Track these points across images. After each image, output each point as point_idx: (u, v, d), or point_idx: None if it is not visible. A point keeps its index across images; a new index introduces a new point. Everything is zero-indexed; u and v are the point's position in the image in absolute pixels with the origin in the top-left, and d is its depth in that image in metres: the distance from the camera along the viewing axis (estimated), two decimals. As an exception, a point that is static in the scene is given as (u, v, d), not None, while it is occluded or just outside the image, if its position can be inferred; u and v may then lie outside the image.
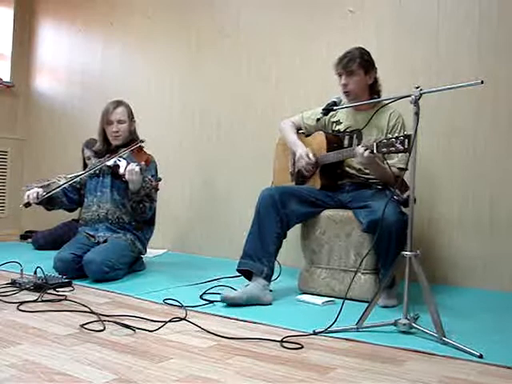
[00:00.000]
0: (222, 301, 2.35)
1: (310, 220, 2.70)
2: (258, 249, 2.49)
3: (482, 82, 1.83)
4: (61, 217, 4.19)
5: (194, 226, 4.12)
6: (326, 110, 2.49)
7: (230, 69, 3.96)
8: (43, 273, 2.63)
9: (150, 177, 3.05)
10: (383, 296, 2.36)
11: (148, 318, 2.07)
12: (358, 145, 2.55)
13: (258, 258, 2.48)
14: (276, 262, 2.56)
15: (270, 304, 2.41)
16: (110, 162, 3.04)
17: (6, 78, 5.09)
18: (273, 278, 2.57)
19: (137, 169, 2.89)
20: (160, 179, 3.04)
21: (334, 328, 1.94)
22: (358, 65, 2.63)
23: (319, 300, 2.46)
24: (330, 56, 3.29)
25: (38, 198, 3.01)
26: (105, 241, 3.03)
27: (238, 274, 2.59)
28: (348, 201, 2.68)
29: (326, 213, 2.68)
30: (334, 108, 2.48)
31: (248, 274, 2.52)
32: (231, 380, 1.48)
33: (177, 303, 2.32)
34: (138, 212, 3.10)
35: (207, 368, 1.57)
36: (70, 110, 4.94)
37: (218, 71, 4.02)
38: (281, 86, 3.71)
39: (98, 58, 4.77)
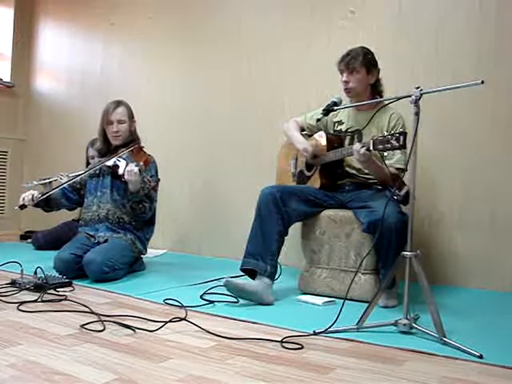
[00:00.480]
0: (225, 284, 2.36)
1: (310, 219, 2.70)
2: (261, 247, 2.50)
3: (483, 82, 1.82)
4: (61, 217, 4.19)
5: (194, 226, 4.12)
6: (327, 111, 2.49)
7: (231, 69, 3.96)
8: (43, 273, 2.63)
9: (148, 177, 3.05)
10: (383, 296, 2.36)
11: (148, 318, 2.07)
12: (358, 144, 2.56)
13: (261, 256, 2.48)
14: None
15: (271, 304, 2.41)
16: (110, 163, 3.04)
17: (7, 78, 5.10)
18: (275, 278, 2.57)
19: (135, 169, 2.89)
20: (159, 180, 3.03)
21: (334, 328, 1.94)
22: (361, 63, 2.63)
23: (319, 300, 2.46)
24: (330, 56, 3.29)
25: (33, 200, 3.01)
26: (105, 241, 3.03)
27: (239, 274, 2.59)
28: (348, 201, 2.68)
29: (326, 213, 2.68)
30: (335, 108, 2.48)
31: (252, 273, 2.52)
32: (231, 380, 1.48)
33: (177, 303, 2.32)
34: (137, 212, 3.09)
35: (207, 368, 1.57)
36: (70, 110, 4.94)
37: (218, 71, 4.02)
38: (281, 85, 3.71)
39: (98, 58, 4.77)
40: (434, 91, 1.98)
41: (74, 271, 2.83)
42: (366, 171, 2.67)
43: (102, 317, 2.05)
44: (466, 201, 3.01)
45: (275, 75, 3.75)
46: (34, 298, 2.35)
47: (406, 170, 2.03)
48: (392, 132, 2.20)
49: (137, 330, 1.92)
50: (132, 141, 3.21)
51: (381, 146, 2.20)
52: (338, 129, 2.82)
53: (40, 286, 2.49)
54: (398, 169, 2.53)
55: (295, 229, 2.74)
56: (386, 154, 2.40)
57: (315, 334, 1.93)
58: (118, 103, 3.22)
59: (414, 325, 1.94)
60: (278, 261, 2.57)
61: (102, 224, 3.12)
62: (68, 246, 2.99)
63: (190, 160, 4.15)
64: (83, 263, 2.82)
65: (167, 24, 4.32)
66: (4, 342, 1.73)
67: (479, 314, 2.36)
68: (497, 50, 2.93)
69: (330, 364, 1.64)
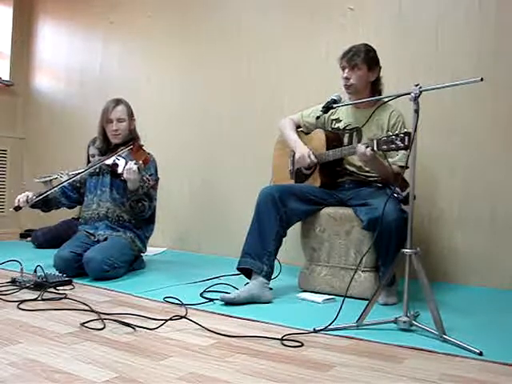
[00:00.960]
0: (221, 300, 2.35)
1: (309, 218, 2.70)
2: (258, 247, 2.49)
3: (482, 80, 1.83)
4: (60, 215, 4.19)
5: (193, 224, 4.12)
6: (326, 108, 2.49)
7: (230, 68, 3.96)
8: (43, 271, 2.63)
9: (147, 176, 3.05)
10: (383, 294, 2.36)
11: (148, 316, 2.07)
12: (358, 142, 2.55)
13: (258, 256, 2.48)
14: (276, 261, 2.57)
15: (270, 302, 2.41)
16: (109, 161, 3.04)
17: (6, 76, 5.09)
18: (273, 276, 2.57)
19: (134, 168, 2.88)
20: (158, 178, 3.02)
21: (334, 326, 1.94)
22: (362, 60, 2.63)
23: (319, 298, 2.46)
24: (329, 55, 3.30)
25: (27, 202, 3.02)
26: (105, 239, 3.03)
27: (238, 273, 2.59)
28: (348, 198, 2.68)
29: (326, 210, 2.68)
30: (334, 106, 2.48)
31: (248, 273, 2.52)
32: (231, 378, 1.48)
33: (177, 301, 2.32)
34: (136, 211, 3.09)
35: (207, 366, 1.57)
36: (70, 108, 4.94)
37: (218, 70, 4.01)
38: (281, 85, 3.71)
39: (97, 56, 4.77)
40: (434, 88, 1.98)
41: (74, 269, 2.83)
42: (367, 169, 2.67)
43: (102, 315, 2.05)
44: (465, 198, 3.01)
45: (275, 75, 3.74)
46: (34, 296, 2.35)
47: (407, 167, 2.02)
48: (396, 132, 2.20)
49: (137, 328, 1.92)
50: (132, 139, 3.21)
51: (385, 147, 2.20)
52: (336, 126, 2.82)
53: (40, 285, 2.49)
54: (400, 167, 2.53)
55: (295, 226, 2.74)
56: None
57: (315, 331, 1.93)
58: (118, 102, 3.22)
59: (413, 322, 1.94)
60: (278, 258, 2.57)
61: (101, 222, 3.13)
62: (68, 245, 2.99)
63: (190, 159, 4.15)
64: (83, 261, 2.82)
65: (166, 23, 4.32)
66: (4, 340, 1.73)
67: (479, 312, 2.37)
68: (496, 48, 2.93)
69: (330, 361, 1.64)
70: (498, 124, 2.93)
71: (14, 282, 2.57)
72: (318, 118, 2.74)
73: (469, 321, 2.18)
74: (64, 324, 1.96)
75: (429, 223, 3.10)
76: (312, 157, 2.70)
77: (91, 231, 3.11)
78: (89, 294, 2.49)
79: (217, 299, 2.38)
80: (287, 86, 3.67)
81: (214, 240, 3.97)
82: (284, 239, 2.60)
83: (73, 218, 4.07)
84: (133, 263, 3.12)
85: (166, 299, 2.37)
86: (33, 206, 3.10)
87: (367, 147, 2.33)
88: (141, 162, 2.96)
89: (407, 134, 2.12)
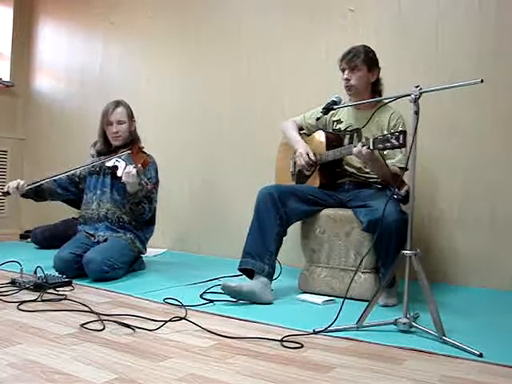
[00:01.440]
0: (222, 288, 2.35)
1: (309, 219, 2.70)
2: (259, 247, 2.49)
3: (482, 81, 1.83)
4: (60, 215, 4.20)
5: (193, 225, 4.12)
6: (326, 109, 2.49)
7: (230, 68, 3.96)
8: (43, 272, 2.63)
9: (146, 180, 3.04)
10: (383, 295, 2.36)
11: (148, 317, 2.07)
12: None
13: (259, 256, 2.48)
14: (276, 262, 2.57)
15: (270, 303, 2.41)
16: (110, 163, 3.04)
17: (6, 77, 5.10)
18: (273, 278, 2.57)
19: (133, 171, 2.88)
20: (157, 182, 3.01)
21: (333, 327, 1.94)
22: (362, 61, 2.64)
23: (319, 299, 2.46)
24: (329, 55, 3.30)
25: (17, 189, 2.99)
26: (105, 240, 3.03)
27: (238, 273, 2.59)
28: (348, 200, 2.68)
29: (326, 212, 2.68)
30: (334, 107, 2.48)
31: (250, 273, 2.52)
32: (231, 379, 1.48)
33: (177, 302, 2.32)
34: (136, 213, 3.09)
35: (207, 367, 1.57)
36: (70, 109, 4.94)
37: (218, 71, 4.02)
38: (281, 85, 3.71)
39: (97, 57, 4.77)
40: (434, 90, 1.98)
41: (74, 270, 2.83)
42: (367, 170, 2.68)
43: (101, 316, 2.05)
44: (465, 199, 3.01)
45: (275, 75, 3.74)
46: (34, 297, 2.35)
47: (407, 169, 2.03)
48: (392, 131, 2.21)
49: (137, 330, 1.92)
50: (132, 141, 3.21)
51: (381, 145, 2.21)
52: (337, 128, 2.82)
53: (40, 286, 2.49)
54: (400, 168, 2.53)
55: (295, 228, 2.74)
56: (385, 152, 2.40)
57: (315, 332, 1.93)
58: (118, 103, 3.21)
59: (413, 323, 1.94)
60: (278, 260, 2.57)
61: (101, 223, 3.12)
62: (68, 246, 2.99)
63: (190, 159, 4.15)
64: (83, 262, 2.82)
65: (167, 23, 4.32)
66: (4, 341, 1.73)
67: (479, 313, 2.37)
68: (496, 49, 2.93)
69: (329, 363, 1.64)
70: (498, 125, 2.93)
71: (13, 282, 2.57)
72: (318, 119, 2.74)
73: (469, 322, 2.17)
74: (64, 325, 1.96)
75: (429, 224, 3.10)
76: (311, 154, 2.70)
77: (91, 232, 3.11)
78: (88, 295, 2.49)
79: (217, 300, 2.38)
80: (287, 86, 3.67)
81: (214, 241, 3.97)
82: (284, 240, 2.60)
83: (73, 218, 4.07)
84: (133, 264, 3.12)
85: (166, 300, 2.37)
86: (24, 195, 3.07)
87: (363, 146, 2.34)
88: (140, 165, 2.96)
89: (402, 132, 2.12)
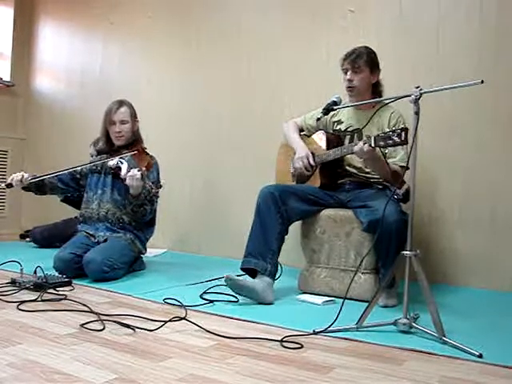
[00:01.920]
0: (226, 280, 2.35)
1: (309, 219, 2.70)
2: (261, 246, 2.49)
3: (483, 82, 1.83)
4: (61, 215, 4.20)
5: (193, 225, 4.12)
6: (327, 110, 2.49)
7: (231, 69, 3.96)
8: (43, 272, 2.63)
9: (150, 183, 3.03)
10: (383, 296, 2.36)
11: (148, 317, 2.07)
12: (359, 143, 2.56)
13: (262, 255, 2.48)
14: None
15: (271, 303, 2.41)
16: (112, 163, 3.04)
17: (6, 77, 5.10)
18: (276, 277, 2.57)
19: (138, 175, 2.87)
20: (161, 186, 3.00)
21: (333, 328, 1.94)
22: (365, 62, 2.65)
23: (319, 300, 2.46)
24: (330, 56, 3.31)
25: (21, 182, 2.98)
26: (105, 240, 3.03)
27: (240, 273, 2.58)
28: (348, 200, 2.68)
29: (326, 212, 2.68)
30: (334, 108, 2.48)
31: (252, 273, 2.51)
32: (231, 379, 1.48)
33: (177, 303, 2.32)
34: (138, 215, 3.10)
35: (207, 367, 1.57)
36: (70, 109, 4.94)
37: (218, 71, 4.02)
38: (281, 85, 3.71)
39: (97, 57, 4.77)
40: (434, 91, 1.98)
41: (74, 270, 2.83)
42: (367, 170, 2.68)
43: (101, 316, 2.05)
44: (466, 200, 3.01)
45: (275, 75, 3.75)
46: (34, 297, 2.35)
47: (408, 168, 2.02)
48: (393, 128, 2.21)
49: (136, 330, 1.92)
50: (135, 141, 3.21)
51: (382, 143, 2.21)
52: (337, 128, 2.82)
53: (40, 286, 2.49)
54: (402, 167, 2.53)
55: (295, 228, 2.74)
56: (386, 151, 2.40)
57: (315, 333, 1.93)
58: (121, 103, 3.21)
59: (413, 324, 1.94)
60: (278, 260, 2.57)
61: (101, 223, 3.12)
62: (68, 246, 2.99)
63: (190, 159, 4.15)
64: (83, 263, 2.81)
65: (167, 23, 4.32)
66: (4, 341, 1.73)
67: (479, 314, 2.37)
68: (497, 50, 2.93)
69: (329, 363, 1.64)
70: (499, 125, 2.93)
71: (13, 282, 2.57)
72: (318, 119, 2.74)
73: (469, 323, 2.17)
74: (64, 325, 1.96)
75: (429, 225, 3.10)
76: (310, 159, 2.70)
77: (91, 232, 3.10)
78: (88, 295, 2.49)
79: (217, 300, 2.38)
80: (287, 86, 3.68)
81: (215, 241, 3.97)
82: (284, 241, 2.60)
83: (75, 218, 4.06)
84: (133, 264, 3.12)
85: (166, 300, 2.37)
86: (25, 188, 3.06)
87: (365, 144, 2.34)
88: (144, 168, 2.95)
89: (404, 129, 2.13)
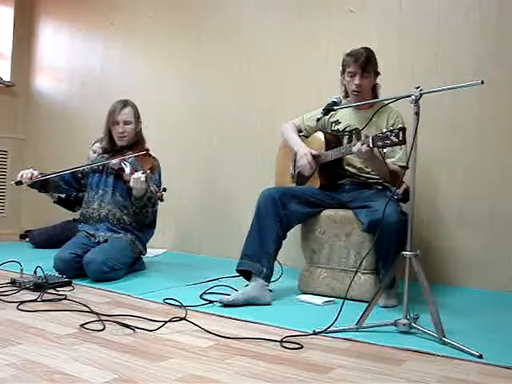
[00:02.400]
0: (220, 303, 2.35)
1: (310, 220, 2.69)
2: (258, 249, 2.49)
3: (483, 82, 1.82)
4: (60, 216, 4.19)
5: (194, 225, 4.12)
6: (327, 110, 2.48)
7: (231, 68, 3.96)
8: (43, 272, 2.63)
9: (155, 187, 3.02)
10: (383, 296, 2.35)
11: (148, 317, 2.07)
12: (357, 143, 2.56)
13: (258, 258, 2.47)
14: (277, 263, 2.57)
15: (270, 304, 2.41)
16: (115, 165, 3.04)
17: (6, 77, 5.10)
18: (275, 279, 2.57)
19: (142, 178, 2.86)
20: (165, 189, 3.01)
21: (333, 328, 1.94)
22: (373, 66, 2.65)
23: (319, 300, 2.46)
24: (330, 56, 3.30)
25: (31, 179, 2.99)
26: (105, 240, 3.03)
27: (238, 274, 2.59)
28: (348, 200, 2.68)
29: (326, 213, 2.68)
30: (335, 108, 2.48)
31: (247, 274, 2.52)
32: (231, 379, 1.48)
33: (177, 303, 2.32)
34: (140, 217, 3.10)
35: (207, 368, 1.57)
36: (70, 109, 4.94)
37: (218, 71, 4.02)
38: (281, 85, 3.71)
39: (98, 57, 4.77)
40: (434, 91, 1.98)
41: (74, 271, 2.83)
42: (367, 170, 2.68)
43: (101, 316, 2.05)
44: (465, 200, 3.01)
45: (275, 75, 3.74)
46: (34, 297, 2.35)
47: (408, 168, 2.02)
48: (391, 128, 2.21)
49: (136, 330, 1.92)
50: (137, 142, 3.21)
51: (380, 143, 2.21)
52: (336, 128, 2.82)
53: (40, 286, 2.49)
54: (401, 166, 2.53)
55: (295, 228, 2.73)
56: (385, 151, 2.40)
57: (315, 333, 1.93)
58: (125, 103, 3.21)
59: (413, 324, 1.94)
60: (279, 260, 2.57)
61: (102, 224, 3.12)
62: (68, 246, 2.99)
63: (190, 159, 4.15)
64: (83, 263, 2.82)
65: (167, 23, 4.32)
66: (4, 341, 1.73)
67: (479, 314, 2.37)
68: (497, 49, 2.93)
69: (329, 364, 1.64)
70: (499, 125, 2.93)
71: (13, 282, 2.57)
72: (318, 120, 2.74)
73: (469, 323, 2.17)
74: (64, 325, 1.96)
75: (429, 225, 3.10)
76: (314, 153, 2.69)
77: (92, 232, 3.10)
78: (88, 295, 2.49)
79: (216, 301, 2.38)
80: (287, 86, 3.67)
81: (215, 241, 3.97)
82: (284, 241, 2.60)
83: (74, 220, 4.07)
84: (133, 265, 3.12)
85: (166, 301, 2.37)
86: (30, 185, 3.07)
87: (363, 144, 2.34)
88: (148, 171, 2.96)
89: (402, 129, 2.12)
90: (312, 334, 1.93)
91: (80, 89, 4.89)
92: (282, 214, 2.54)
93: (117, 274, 2.88)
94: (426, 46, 3.14)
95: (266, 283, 2.46)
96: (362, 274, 2.53)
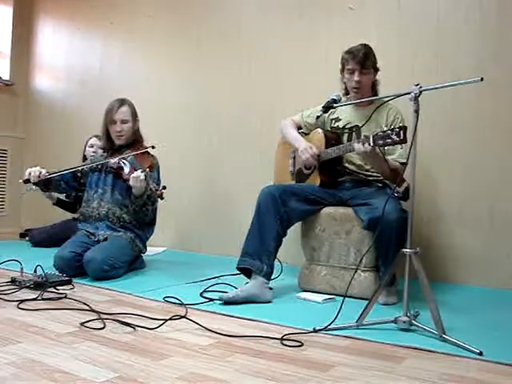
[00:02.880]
0: (220, 300, 2.35)
1: (310, 217, 2.69)
2: (258, 247, 2.49)
3: (482, 79, 1.82)
4: (60, 215, 4.20)
5: (194, 223, 4.12)
6: (326, 108, 2.48)
7: (231, 68, 3.96)
8: (43, 271, 2.63)
9: (155, 185, 3.02)
10: (383, 293, 2.36)
11: (148, 315, 2.07)
12: (357, 140, 2.56)
13: (258, 256, 2.47)
14: (277, 260, 2.57)
15: (270, 302, 2.41)
16: (114, 164, 3.04)
17: (6, 76, 5.09)
18: (275, 276, 2.57)
19: (142, 176, 2.87)
20: (164, 187, 3.01)
21: (334, 325, 1.94)
22: (372, 62, 2.65)
23: (319, 298, 2.46)
24: (330, 55, 3.30)
25: (39, 177, 2.99)
26: (105, 239, 3.03)
27: (238, 272, 2.59)
28: (348, 198, 2.68)
29: (326, 210, 2.68)
30: (334, 105, 2.48)
31: (247, 272, 2.52)
32: (231, 377, 1.48)
33: (177, 301, 2.32)
34: (140, 215, 3.10)
35: (207, 366, 1.57)
36: (70, 108, 4.94)
37: (218, 70, 4.02)
38: (281, 85, 3.70)
39: (97, 56, 4.77)
40: (434, 88, 1.97)
41: (74, 269, 2.83)
42: (367, 167, 2.68)
43: (101, 315, 2.05)
44: (465, 198, 3.01)
45: (275, 75, 3.74)
46: (34, 296, 2.35)
47: (407, 164, 2.01)
48: (392, 127, 2.21)
49: (137, 328, 1.92)
50: (135, 140, 3.21)
51: (381, 142, 2.21)
52: (335, 125, 2.82)
53: (40, 284, 2.49)
54: (401, 163, 2.53)
55: (295, 226, 2.73)
56: (386, 148, 2.40)
57: (315, 331, 1.93)
58: (122, 102, 3.21)
59: (413, 322, 1.94)
60: (279, 258, 2.57)
61: (102, 222, 3.12)
62: (68, 244, 2.99)
63: (190, 158, 4.15)
64: (83, 261, 2.82)
65: (167, 23, 4.32)
66: (4, 340, 1.73)
67: (479, 311, 2.37)
68: (497, 48, 2.93)
69: (329, 361, 1.64)
70: (498, 124, 2.93)
71: (13, 281, 2.57)
72: (318, 117, 2.74)
73: (469, 320, 2.18)
74: (64, 324, 1.96)
75: (428, 222, 3.10)
76: (314, 148, 2.67)
77: (91, 231, 3.11)
78: (89, 294, 2.49)
79: (217, 299, 2.38)
80: (287, 86, 3.67)
81: (215, 240, 3.97)
82: (284, 239, 2.60)
83: (73, 219, 4.07)
84: (133, 263, 3.12)
85: (166, 299, 2.37)
86: (35, 183, 3.07)
87: (364, 143, 2.33)
88: (147, 169, 2.96)
89: (403, 128, 2.12)
90: (312, 332, 1.93)
91: (79, 88, 4.88)
92: (282, 212, 2.54)
93: (117, 272, 2.88)
94: (426, 43, 3.14)
95: (266, 281, 2.46)
96: (362, 271, 2.53)
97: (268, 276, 2.48)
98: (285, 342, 1.81)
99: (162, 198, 2.99)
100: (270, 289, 2.48)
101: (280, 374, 1.52)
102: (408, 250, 1.94)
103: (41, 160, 4.95)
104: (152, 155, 3.22)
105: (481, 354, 1.69)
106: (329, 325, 1.94)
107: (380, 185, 2.69)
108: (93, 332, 1.86)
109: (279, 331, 1.93)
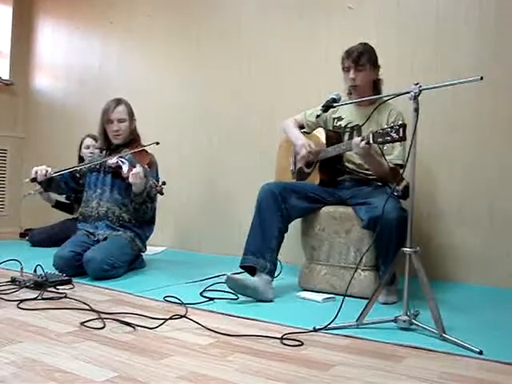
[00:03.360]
0: (226, 281, 2.36)
1: (309, 216, 2.70)
2: (260, 244, 2.49)
3: (482, 78, 1.82)
4: (60, 215, 4.20)
5: (193, 223, 4.12)
6: (326, 107, 2.49)
7: (231, 67, 3.95)
8: (43, 271, 2.63)
9: (154, 181, 3.03)
10: (383, 293, 2.36)
11: (148, 315, 2.07)
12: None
13: (261, 253, 2.48)
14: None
15: (271, 301, 2.41)
16: (113, 163, 3.04)
17: (5, 76, 5.09)
18: (275, 276, 2.56)
19: (141, 173, 2.88)
20: (164, 183, 3.01)
21: (334, 325, 1.94)
22: (367, 60, 2.65)
23: (319, 297, 2.46)
24: (329, 54, 3.30)
25: (45, 176, 3.00)
26: (105, 238, 3.03)
27: (239, 271, 2.59)
28: (348, 197, 2.68)
29: (326, 209, 2.68)
30: (334, 105, 2.48)
31: (251, 270, 2.52)
32: (231, 377, 1.48)
33: (177, 301, 2.32)
34: (140, 213, 3.10)
35: (207, 365, 1.57)
36: (69, 107, 4.94)
37: (218, 70, 4.01)
38: (281, 85, 3.70)
39: (96, 55, 4.77)
40: (434, 87, 1.97)
41: (74, 269, 2.83)
42: (366, 167, 2.67)
43: (101, 314, 2.05)
44: (465, 196, 3.01)
45: (275, 75, 3.74)
46: (34, 295, 2.35)
47: (405, 166, 2.01)
48: (392, 125, 2.20)
49: (137, 328, 1.92)
50: (132, 139, 3.21)
51: (380, 139, 2.21)
52: (338, 125, 2.82)
53: (40, 284, 2.49)
54: (396, 164, 2.53)
55: (295, 225, 2.74)
56: (385, 147, 2.40)
57: (315, 330, 1.94)
58: (119, 101, 3.21)
59: (413, 321, 1.94)
60: (279, 258, 2.57)
61: (101, 222, 3.12)
62: (68, 244, 2.99)
63: (190, 158, 4.15)
64: (83, 261, 2.82)
65: (166, 22, 4.31)
66: (4, 339, 1.73)
67: (479, 310, 2.37)
68: (497, 47, 2.93)
69: (329, 360, 1.64)
70: (498, 123, 2.93)
71: (13, 281, 2.57)
72: (318, 116, 2.74)
73: (469, 319, 2.18)
74: (64, 323, 1.96)
75: (428, 221, 3.10)
76: (312, 145, 2.68)
77: (91, 230, 3.11)
78: (89, 294, 2.49)
79: (217, 298, 2.39)
80: (287, 86, 3.67)
81: (215, 239, 3.97)
82: (284, 238, 2.60)
83: (73, 218, 4.07)
84: (133, 262, 3.12)
85: (166, 298, 2.37)
86: (39, 183, 3.08)
87: (362, 140, 2.34)
88: (146, 166, 2.96)
89: (402, 125, 2.12)
90: (312, 331, 1.93)
91: (78, 87, 4.88)
92: (282, 208, 2.55)
93: (117, 271, 2.88)
94: (425, 43, 3.14)
95: (270, 279, 2.46)
96: (362, 270, 2.53)
97: (272, 273, 2.49)
98: (285, 341, 1.81)
99: (161, 194, 3.00)
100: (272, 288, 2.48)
101: (280, 373, 1.52)
102: (408, 250, 1.94)
103: (41, 159, 4.93)
104: (150, 154, 3.22)
105: (481, 353, 1.69)
106: (329, 324, 1.94)
107: (380, 184, 2.69)
108: (93, 331, 1.87)
109: (279, 330, 1.93)
